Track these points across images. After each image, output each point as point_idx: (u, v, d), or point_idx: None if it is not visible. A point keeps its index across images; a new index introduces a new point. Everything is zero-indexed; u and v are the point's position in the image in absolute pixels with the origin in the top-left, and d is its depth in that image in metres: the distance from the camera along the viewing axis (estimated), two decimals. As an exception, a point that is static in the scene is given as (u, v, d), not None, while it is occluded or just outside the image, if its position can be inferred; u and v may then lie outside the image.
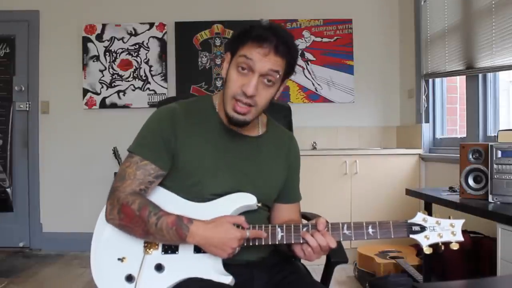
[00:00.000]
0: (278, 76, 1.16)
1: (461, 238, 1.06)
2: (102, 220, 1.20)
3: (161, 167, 1.19)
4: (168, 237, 1.11)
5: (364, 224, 1.11)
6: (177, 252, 1.15)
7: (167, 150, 1.19)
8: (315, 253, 1.11)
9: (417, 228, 1.09)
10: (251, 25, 1.17)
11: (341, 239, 1.12)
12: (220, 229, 1.09)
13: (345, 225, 1.11)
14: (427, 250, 1.08)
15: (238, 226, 1.12)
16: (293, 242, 1.12)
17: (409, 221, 1.10)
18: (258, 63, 1.12)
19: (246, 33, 1.15)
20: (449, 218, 1.09)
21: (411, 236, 1.09)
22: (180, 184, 1.21)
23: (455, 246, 1.07)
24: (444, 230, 1.07)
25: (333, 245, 1.09)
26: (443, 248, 1.08)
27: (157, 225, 1.10)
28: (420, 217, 1.10)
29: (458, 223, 1.08)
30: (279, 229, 1.12)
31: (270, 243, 1.12)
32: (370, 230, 1.10)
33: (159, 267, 1.13)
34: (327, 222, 1.12)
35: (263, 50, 1.12)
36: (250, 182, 1.23)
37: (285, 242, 1.13)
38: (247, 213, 1.20)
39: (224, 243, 1.08)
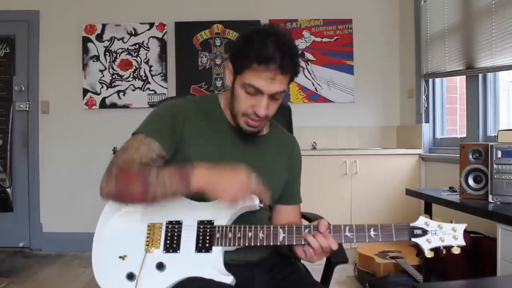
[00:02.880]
0: (284, 92, 1.18)
1: (462, 243, 1.06)
2: (104, 218, 1.20)
3: (164, 148, 1.18)
4: (169, 185, 1.07)
5: (366, 226, 1.10)
6: (178, 251, 1.15)
7: (173, 135, 1.20)
8: (316, 255, 1.11)
9: (419, 232, 1.08)
10: (252, 40, 1.13)
11: (343, 241, 1.11)
12: (226, 169, 1.08)
13: (347, 228, 1.11)
14: (429, 254, 1.07)
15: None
16: (294, 243, 1.12)
17: (411, 224, 1.09)
18: (266, 88, 1.14)
19: (249, 53, 1.11)
20: (451, 222, 1.09)
21: (413, 239, 1.08)
22: None
23: (456, 251, 1.06)
24: (446, 234, 1.07)
25: (335, 247, 1.09)
26: (444, 252, 1.07)
27: (158, 176, 1.08)
28: (422, 221, 1.09)
29: (460, 228, 1.07)
30: (280, 230, 1.12)
31: (271, 244, 1.12)
32: (372, 233, 1.10)
33: (160, 266, 1.13)
34: (329, 224, 1.12)
35: (269, 74, 1.12)
36: None
37: (286, 243, 1.13)
38: (249, 213, 1.20)
39: (228, 181, 1.06)
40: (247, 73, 1.14)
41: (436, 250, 1.08)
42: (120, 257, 1.15)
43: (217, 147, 1.23)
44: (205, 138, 1.23)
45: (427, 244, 1.07)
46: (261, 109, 1.15)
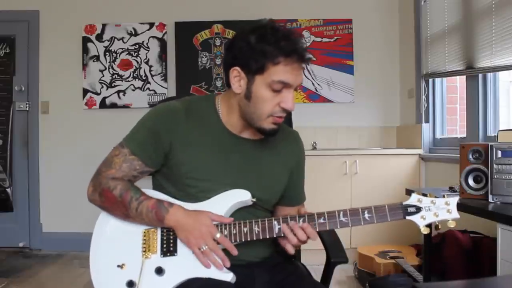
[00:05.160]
0: None
1: (457, 215, 1.06)
2: (98, 228, 1.21)
3: (147, 164, 1.20)
4: (147, 220, 1.14)
5: (360, 210, 1.11)
6: (175, 254, 1.14)
7: (158, 148, 1.19)
8: (298, 243, 1.13)
9: (412, 210, 1.08)
10: (267, 36, 1.10)
11: (338, 227, 1.12)
12: (197, 218, 1.12)
13: (341, 213, 1.11)
14: (425, 230, 1.08)
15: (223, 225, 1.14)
16: (268, 236, 1.13)
17: (404, 203, 1.10)
18: (295, 80, 1.13)
19: (271, 49, 1.09)
20: (444, 197, 1.09)
21: (408, 217, 1.08)
22: (177, 184, 1.21)
23: (451, 224, 1.07)
24: (440, 209, 1.07)
25: (314, 238, 1.12)
26: (440, 226, 1.08)
27: (138, 210, 1.14)
28: (415, 198, 1.09)
29: (453, 201, 1.08)
30: (275, 222, 1.13)
31: (268, 236, 1.13)
32: (366, 215, 1.10)
33: (159, 271, 1.13)
34: (320, 212, 1.12)
35: (296, 65, 1.11)
36: (250, 187, 1.20)
37: (283, 235, 1.13)
38: (244, 210, 1.20)
39: (195, 230, 1.10)
40: (272, 70, 1.10)
41: (431, 225, 1.08)
42: (118, 266, 1.15)
43: (211, 153, 1.20)
44: (198, 142, 1.19)
45: (422, 221, 1.08)
46: (291, 103, 1.13)
